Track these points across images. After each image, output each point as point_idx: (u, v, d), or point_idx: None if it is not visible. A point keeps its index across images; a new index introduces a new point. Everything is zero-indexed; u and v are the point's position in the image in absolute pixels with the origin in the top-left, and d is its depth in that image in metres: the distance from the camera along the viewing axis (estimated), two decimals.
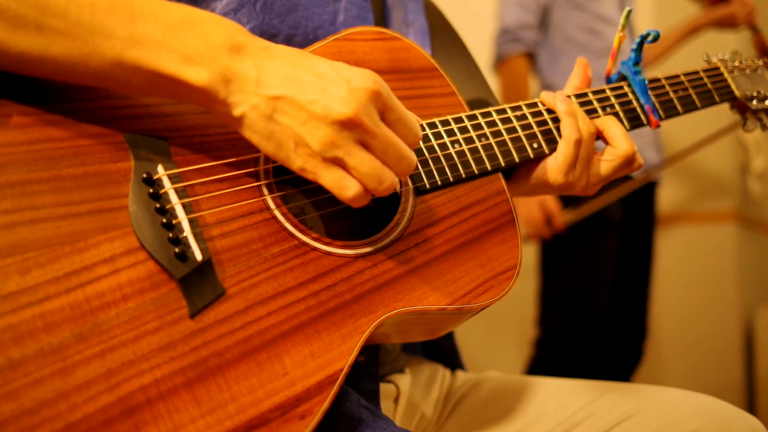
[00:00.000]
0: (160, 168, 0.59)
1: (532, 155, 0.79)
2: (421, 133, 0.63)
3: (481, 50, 2.08)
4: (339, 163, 0.58)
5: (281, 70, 0.58)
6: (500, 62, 2.01)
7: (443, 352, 0.95)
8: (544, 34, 2.01)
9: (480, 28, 2.29)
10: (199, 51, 0.56)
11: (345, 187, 0.59)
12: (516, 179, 0.85)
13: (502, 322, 2.60)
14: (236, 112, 0.58)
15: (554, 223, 1.91)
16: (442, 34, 0.96)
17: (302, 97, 0.57)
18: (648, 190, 2.14)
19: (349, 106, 0.56)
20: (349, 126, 0.57)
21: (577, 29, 1.96)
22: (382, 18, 0.91)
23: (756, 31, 2.12)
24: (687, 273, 2.73)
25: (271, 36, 0.75)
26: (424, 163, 0.72)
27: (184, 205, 0.59)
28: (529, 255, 2.21)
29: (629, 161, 0.81)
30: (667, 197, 2.35)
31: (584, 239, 1.95)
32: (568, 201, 1.93)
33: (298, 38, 0.77)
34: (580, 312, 1.97)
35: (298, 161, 0.58)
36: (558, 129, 0.81)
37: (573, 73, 0.88)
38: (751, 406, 2.66)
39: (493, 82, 2.11)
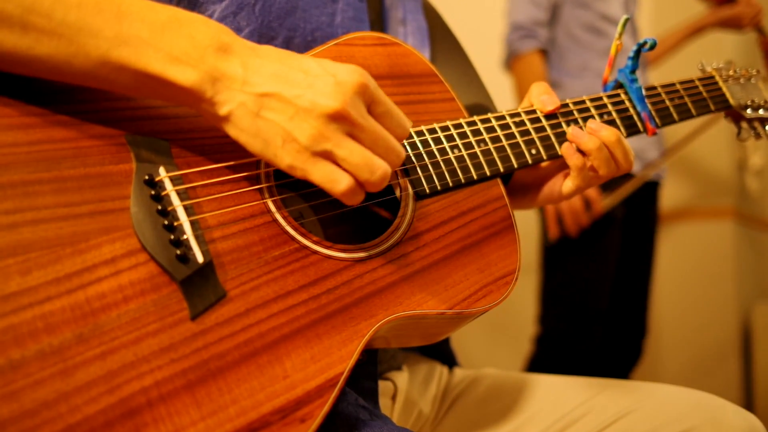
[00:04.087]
0: (161, 170, 0.59)
1: (530, 161, 0.80)
2: (409, 125, 0.63)
3: (482, 49, 2.07)
4: (328, 156, 0.58)
5: (268, 68, 0.58)
6: (514, 59, 1.96)
7: (440, 350, 0.95)
8: (551, 32, 1.99)
9: (483, 27, 2.29)
10: (187, 51, 0.56)
11: (336, 180, 0.58)
12: (536, 190, 0.88)
13: (500, 320, 2.60)
14: (223, 110, 0.57)
15: (594, 209, 1.87)
16: (441, 39, 0.96)
17: (289, 93, 0.57)
18: (650, 189, 2.14)
19: (335, 99, 0.57)
20: (337, 118, 0.57)
21: (581, 28, 1.95)
22: (380, 19, 0.91)
23: (762, 33, 2.09)
24: (684, 270, 2.72)
25: (270, 38, 0.75)
26: (424, 168, 0.73)
27: (185, 207, 0.59)
28: (528, 253, 2.21)
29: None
30: (664, 194, 2.35)
31: (586, 236, 1.94)
32: (604, 186, 1.89)
33: (297, 40, 0.77)
34: (581, 309, 1.97)
35: (286, 158, 0.58)
36: (555, 135, 0.82)
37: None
38: (748, 402, 2.66)
39: (502, 80, 2.09)
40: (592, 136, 0.80)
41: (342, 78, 0.58)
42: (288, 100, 0.57)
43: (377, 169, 0.59)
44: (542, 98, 0.83)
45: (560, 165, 0.86)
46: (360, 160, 0.58)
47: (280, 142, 0.58)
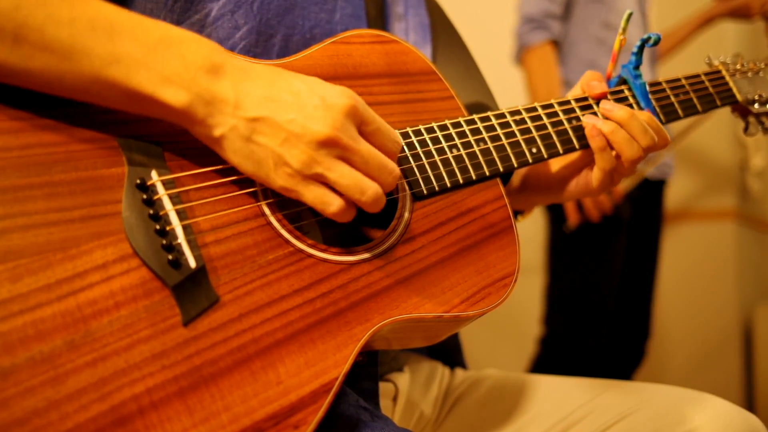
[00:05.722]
0: (153, 173, 0.59)
1: (530, 160, 0.78)
2: (400, 140, 0.64)
3: (491, 45, 2.04)
4: (320, 179, 0.60)
5: (259, 91, 0.58)
6: (525, 51, 1.90)
7: (445, 349, 0.95)
8: (563, 28, 1.94)
9: (493, 23, 2.26)
10: (178, 71, 0.56)
11: (327, 203, 0.60)
12: (550, 188, 0.89)
13: (504, 320, 2.60)
14: (215, 133, 0.58)
15: (614, 192, 1.85)
16: (444, 35, 0.95)
17: (280, 117, 0.58)
18: (657, 188, 2.12)
19: (326, 124, 0.58)
20: (328, 144, 0.58)
21: (594, 24, 1.90)
22: (381, 14, 0.90)
23: None
24: (686, 271, 2.72)
25: (269, 36, 0.75)
26: (422, 168, 0.72)
27: (178, 212, 0.58)
28: (532, 253, 2.19)
29: None
30: (666, 195, 2.35)
31: (593, 238, 1.92)
32: None
33: (296, 37, 0.76)
34: (587, 311, 1.96)
35: (278, 180, 0.59)
36: (557, 133, 0.81)
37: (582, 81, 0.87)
38: (749, 403, 2.66)
39: (511, 78, 2.05)
40: (607, 119, 0.80)
41: (332, 101, 0.59)
42: (279, 125, 0.58)
43: (367, 189, 0.60)
44: (591, 83, 0.84)
45: (589, 156, 0.84)
46: (351, 182, 0.59)
47: (272, 165, 0.59)
